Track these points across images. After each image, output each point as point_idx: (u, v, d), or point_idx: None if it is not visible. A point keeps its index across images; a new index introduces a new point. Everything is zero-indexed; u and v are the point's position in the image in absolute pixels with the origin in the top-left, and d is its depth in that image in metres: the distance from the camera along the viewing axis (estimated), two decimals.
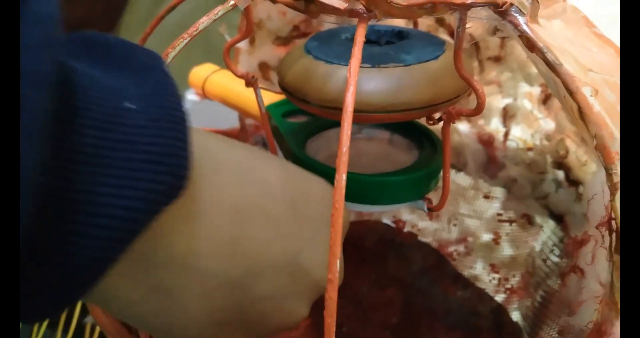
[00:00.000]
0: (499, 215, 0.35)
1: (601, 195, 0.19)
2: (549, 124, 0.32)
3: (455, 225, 0.37)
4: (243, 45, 0.34)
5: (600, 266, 0.19)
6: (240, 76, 0.25)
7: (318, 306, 0.35)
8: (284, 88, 0.24)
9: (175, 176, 0.13)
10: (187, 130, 0.14)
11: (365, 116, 0.22)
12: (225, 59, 0.25)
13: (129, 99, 0.13)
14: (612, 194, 0.17)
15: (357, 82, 0.22)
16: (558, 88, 0.18)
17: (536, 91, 0.32)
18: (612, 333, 0.19)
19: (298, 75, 0.24)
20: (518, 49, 0.31)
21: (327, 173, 0.24)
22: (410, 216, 0.39)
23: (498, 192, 0.36)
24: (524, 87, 0.33)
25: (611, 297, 0.18)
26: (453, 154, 0.37)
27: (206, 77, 0.35)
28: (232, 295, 0.17)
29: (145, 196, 0.13)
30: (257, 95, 0.26)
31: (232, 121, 0.38)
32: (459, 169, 0.37)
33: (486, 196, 0.36)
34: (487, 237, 0.36)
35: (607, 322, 0.19)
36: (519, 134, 0.34)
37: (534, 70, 0.31)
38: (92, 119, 0.12)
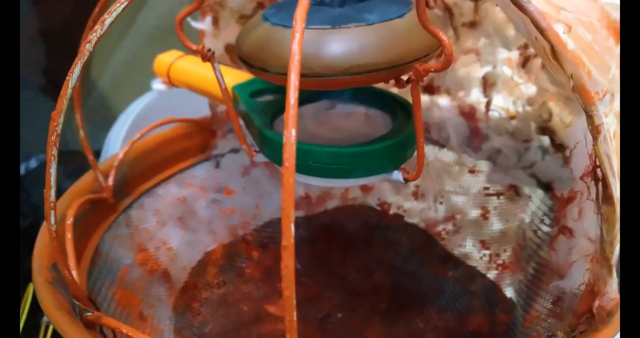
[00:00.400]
0: (486, 188, 0.34)
1: (584, 143, 0.17)
2: (530, 89, 0.30)
3: (441, 203, 0.36)
4: (207, 27, 0.33)
5: (588, 221, 0.17)
6: (196, 51, 0.24)
7: (303, 299, 0.34)
8: (242, 59, 0.23)
9: None
10: None
11: (328, 80, 0.21)
12: (178, 33, 0.23)
13: None
14: (594, 138, 0.16)
15: (315, 44, 0.20)
16: (529, 30, 0.17)
17: (515, 55, 0.30)
18: (606, 292, 0.17)
19: (255, 43, 0.22)
20: (492, 12, 0.29)
21: (300, 149, 0.23)
22: (395, 198, 0.38)
23: (483, 165, 0.34)
24: (503, 53, 0.31)
25: (602, 253, 0.17)
26: (435, 130, 0.36)
27: (170, 63, 0.33)
28: None
29: None
30: (216, 69, 0.24)
31: (203, 109, 0.36)
32: (441, 145, 0.36)
33: (471, 171, 0.35)
34: (475, 213, 0.34)
35: (600, 280, 0.17)
36: (501, 103, 0.33)
37: (511, 32, 0.30)
38: None
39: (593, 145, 0.16)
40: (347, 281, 0.35)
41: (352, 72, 0.20)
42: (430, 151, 0.36)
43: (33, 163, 0.62)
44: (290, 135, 0.14)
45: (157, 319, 0.29)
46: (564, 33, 0.16)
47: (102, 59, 0.64)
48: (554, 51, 0.16)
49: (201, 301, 0.32)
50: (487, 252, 0.33)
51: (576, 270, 0.18)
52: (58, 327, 0.19)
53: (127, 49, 0.64)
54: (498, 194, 0.33)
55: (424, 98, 0.35)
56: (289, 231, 0.13)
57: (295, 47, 0.14)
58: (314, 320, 0.33)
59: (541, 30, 0.16)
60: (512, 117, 0.32)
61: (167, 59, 0.33)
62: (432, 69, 0.19)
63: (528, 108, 0.30)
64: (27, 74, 0.60)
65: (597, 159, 0.16)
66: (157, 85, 0.34)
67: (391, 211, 0.38)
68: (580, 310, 0.18)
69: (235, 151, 0.36)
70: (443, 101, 0.35)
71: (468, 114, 0.34)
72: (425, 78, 0.36)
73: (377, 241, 0.37)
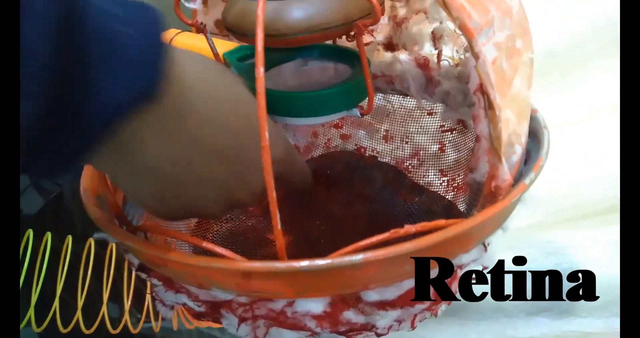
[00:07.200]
0: (442, 126, 0.41)
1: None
2: None
3: (407, 143, 0.43)
4: (198, 6, 0.39)
5: (482, 124, 0.24)
6: (191, 24, 0.30)
7: (296, 229, 0.41)
8: (228, 28, 0.29)
9: (150, 80, 0.18)
10: (163, 53, 0.18)
11: (292, 39, 0.27)
12: (176, 10, 0.30)
13: (120, 22, 0.18)
14: (476, 61, 0.22)
15: (280, 11, 0.27)
16: None
17: None
18: (499, 175, 0.24)
19: (237, 15, 0.29)
20: None
21: (279, 96, 0.29)
22: (369, 142, 0.44)
23: (439, 107, 0.41)
24: None
25: (491, 145, 0.23)
26: (398, 81, 0.42)
27: (170, 39, 0.39)
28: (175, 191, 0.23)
29: (129, 89, 0.18)
30: (208, 38, 0.31)
31: None
32: (404, 95, 0.42)
33: (429, 113, 0.41)
34: (434, 148, 0.41)
35: (494, 166, 0.24)
36: (449, 54, 0.39)
37: None
38: (94, 32, 0.17)
39: (475, 66, 0.22)
40: (332, 212, 0.42)
41: (310, 31, 0.27)
42: (395, 100, 0.43)
43: None
44: (259, 71, 0.20)
45: (178, 246, 0.36)
46: None
47: None
48: (444, 2, 0.22)
49: (213, 232, 0.39)
50: (445, 179, 0.40)
51: (481, 163, 0.25)
52: (110, 231, 0.25)
53: None
54: (451, 130, 0.40)
55: (388, 55, 0.41)
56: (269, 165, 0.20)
57: (260, 5, 0.21)
58: (306, 243, 0.40)
59: None
60: (457, 65, 0.38)
61: (167, 35, 0.39)
62: (368, 24, 0.26)
63: (467, 54, 0.36)
64: None
65: (479, 78, 0.22)
66: None
67: (367, 154, 0.44)
68: (486, 191, 0.25)
69: None
70: (403, 56, 0.41)
71: (423, 65, 0.40)
72: (384, 37, 0.42)
73: (356, 179, 0.44)
